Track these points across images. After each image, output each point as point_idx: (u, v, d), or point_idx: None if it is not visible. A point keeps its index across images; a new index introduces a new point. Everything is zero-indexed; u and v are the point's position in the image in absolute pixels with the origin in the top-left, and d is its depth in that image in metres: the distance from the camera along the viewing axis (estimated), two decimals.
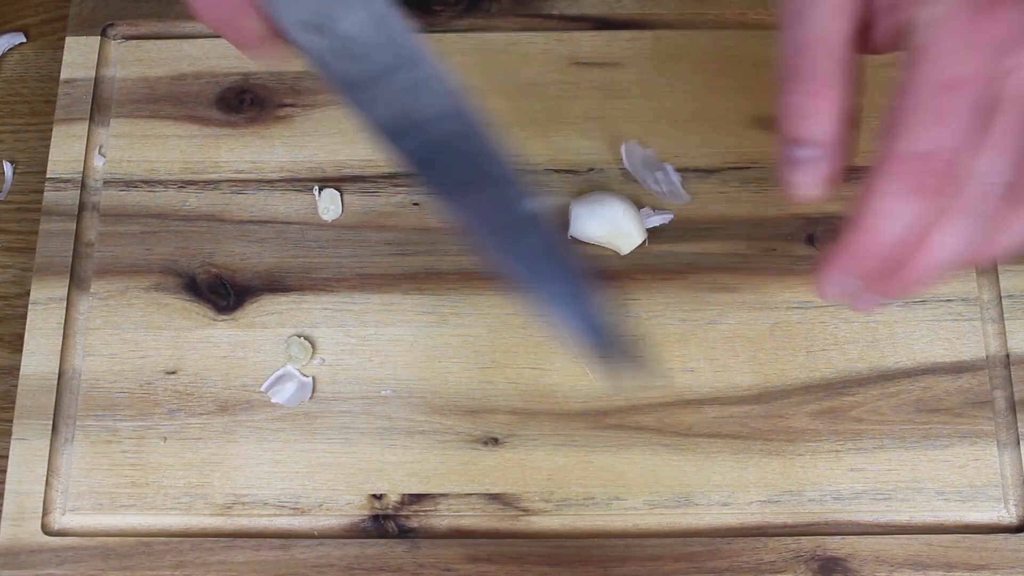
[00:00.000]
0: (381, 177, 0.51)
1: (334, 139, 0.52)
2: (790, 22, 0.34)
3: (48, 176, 0.51)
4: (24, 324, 0.49)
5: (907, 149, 0.33)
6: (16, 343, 0.50)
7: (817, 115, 0.34)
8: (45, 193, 0.51)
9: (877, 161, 0.34)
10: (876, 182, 0.34)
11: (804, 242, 0.50)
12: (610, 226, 0.48)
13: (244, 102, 0.53)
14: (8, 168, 0.54)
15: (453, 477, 0.46)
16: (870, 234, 0.34)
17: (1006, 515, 0.46)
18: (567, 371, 0.48)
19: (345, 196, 0.51)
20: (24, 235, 0.53)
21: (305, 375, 0.48)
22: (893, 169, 0.33)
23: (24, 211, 0.53)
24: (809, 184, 0.36)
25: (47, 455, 0.47)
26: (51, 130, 0.52)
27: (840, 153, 0.35)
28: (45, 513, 0.46)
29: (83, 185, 0.51)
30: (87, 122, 0.52)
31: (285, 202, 0.51)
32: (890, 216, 0.34)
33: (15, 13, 0.58)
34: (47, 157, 0.52)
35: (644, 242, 0.49)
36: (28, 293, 0.50)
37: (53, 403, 0.48)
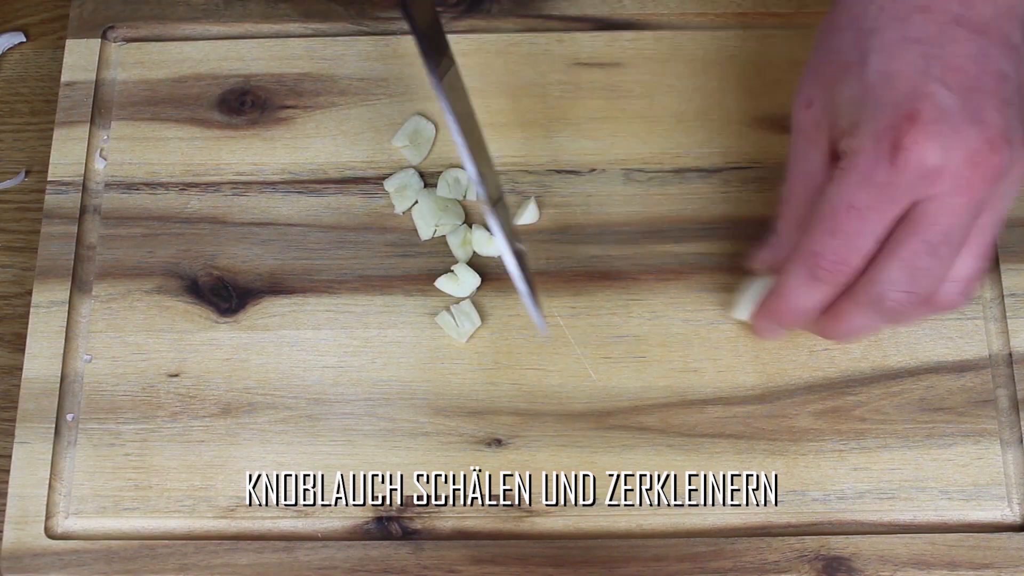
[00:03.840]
0: (382, 178, 0.51)
1: (336, 141, 0.52)
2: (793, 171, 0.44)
3: (49, 179, 0.51)
4: (25, 323, 0.49)
5: (807, 246, 0.41)
6: (16, 342, 0.50)
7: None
8: (46, 196, 0.51)
9: (794, 248, 0.42)
10: (787, 265, 0.42)
11: None
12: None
13: (245, 104, 0.53)
14: (21, 175, 0.54)
15: (457, 479, 0.46)
16: (783, 301, 0.43)
17: (1009, 514, 0.46)
18: (570, 372, 0.48)
19: (346, 197, 0.51)
20: (24, 235, 0.53)
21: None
22: (797, 258, 0.42)
23: (24, 210, 0.53)
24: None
25: (50, 458, 0.47)
26: (51, 129, 0.52)
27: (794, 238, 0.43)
28: (48, 517, 0.46)
29: (84, 188, 0.51)
30: (88, 125, 0.52)
31: (287, 204, 0.51)
32: (795, 292, 0.43)
33: (15, 13, 0.58)
34: (47, 156, 0.52)
35: None
36: (29, 292, 0.50)
37: (55, 406, 0.48)
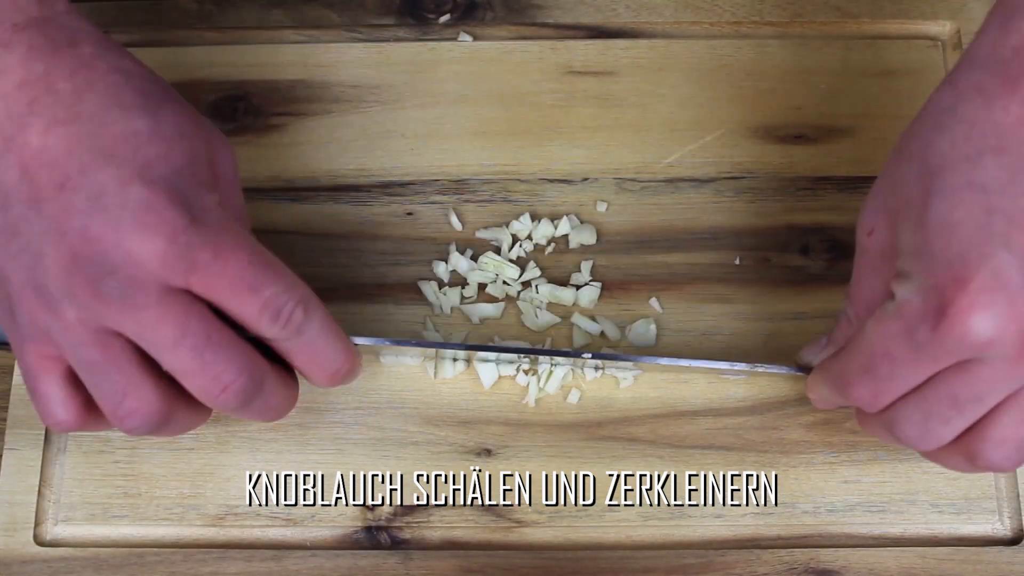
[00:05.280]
0: (374, 186, 0.51)
1: (328, 148, 0.52)
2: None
3: None
4: None
5: (839, 367, 0.40)
6: None
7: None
8: None
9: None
10: (848, 362, 0.39)
11: (799, 253, 0.50)
12: None
13: (238, 111, 0.53)
14: None
15: (446, 488, 0.46)
16: (821, 386, 0.43)
17: (1000, 527, 0.46)
18: (560, 382, 0.48)
19: (338, 205, 0.51)
20: None
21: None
22: (835, 363, 0.41)
23: None
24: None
25: (39, 465, 0.47)
26: None
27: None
28: (37, 524, 0.46)
29: None
30: None
31: (279, 211, 0.51)
32: (831, 390, 0.42)
33: None
34: None
35: None
36: None
37: None
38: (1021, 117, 0.35)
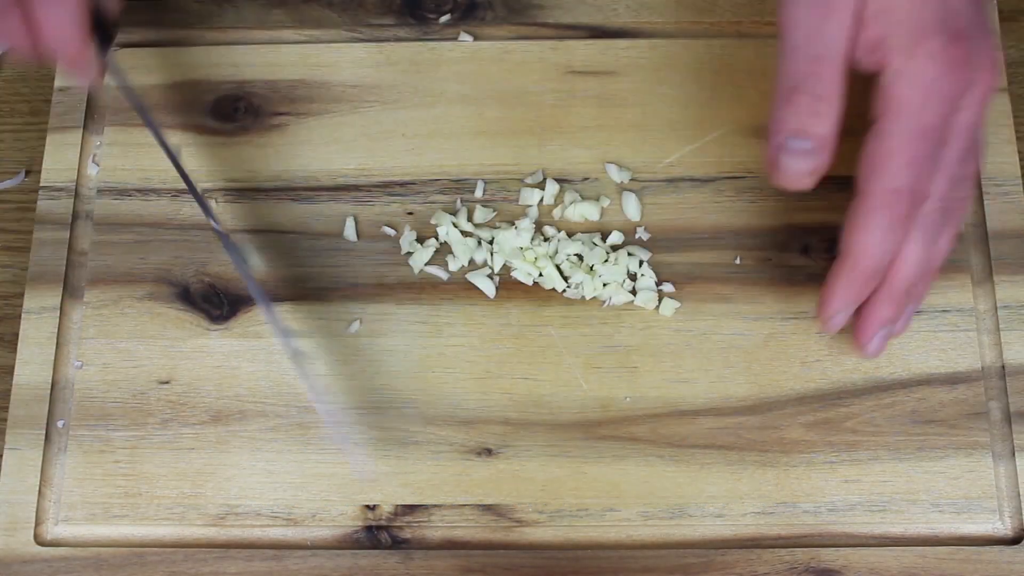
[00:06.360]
0: (375, 186, 0.51)
1: (328, 148, 0.52)
2: (806, 33, 0.40)
3: (41, 185, 0.51)
4: None
5: (886, 186, 0.40)
6: (16, 342, 0.50)
7: (823, 116, 0.40)
8: (39, 202, 0.51)
9: (860, 198, 0.41)
10: (862, 217, 0.41)
11: (799, 252, 0.50)
12: None
13: (238, 111, 0.53)
14: (21, 175, 0.54)
15: (446, 488, 0.46)
16: (862, 259, 0.42)
17: (1001, 527, 0.46)
18: (561, 382, 0.48)
19: (339, 205, 0.51)
20: (24, 235, 0.53)
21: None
22: (875, 204, 0.41)
23: (24, 211, 0.53)
24: (803, 173, 0.42)
25: (40, 465, 0.47)
26: None
27: (831, 152, 0.41)
28: (38, 523, 0.46)
29: (76, 194, 0.51)
30: (81, 130, 0.52)
31: (279, 211, 0.51)
32: (877, 243, 0.41)
33: None
34: None
35: None
36: None
37: (46, 413, 0.48)
38: None
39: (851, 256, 0.42)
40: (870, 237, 0.41)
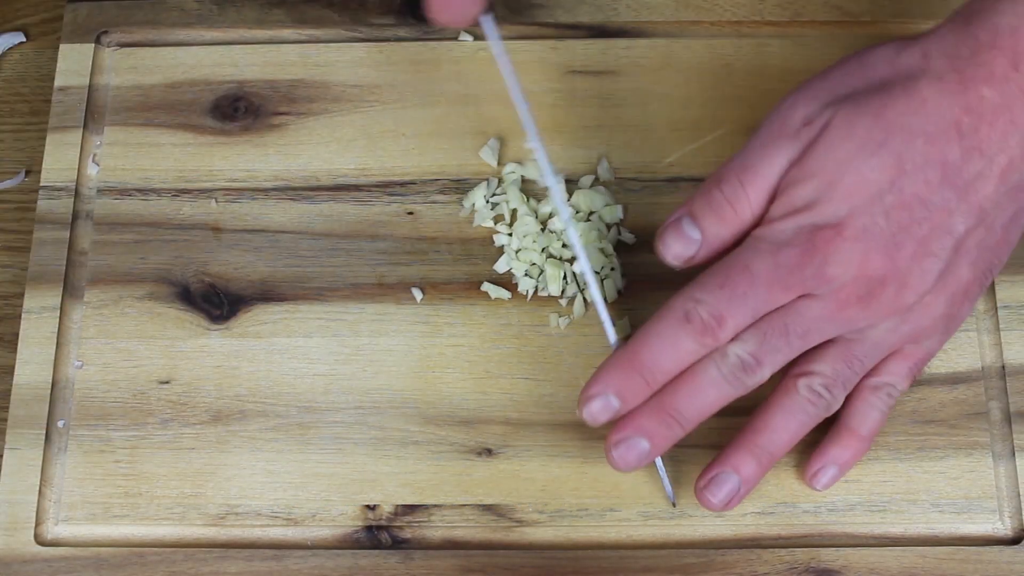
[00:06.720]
0: (375, 186, 0.51)
1: (328, 148, 0.52)
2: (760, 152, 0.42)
3: (41, 184, 0.51)
4: None
5: (692, 291, 0.41)
6: (16, 342, 0.50)
7: (728, 222, 0.42)
8: (39, 201, 0.51)
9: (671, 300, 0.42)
10: (663, 307, 0.42)
11: None
12: None
13: (238, 110, 0.53)
14: (21, 175, 0.54)
15: (447, 488, 0.46)
16: (646, 343, 0.42)
17: (1001, 527, 0.46)
18: (561, 382, 0.48)
19: (339, 205, 0.51)
20: (24, 235, 0.53)
21: None
22: (677, 297, 0.42)
23: (24, 210, 0.53)
24: (678, 256, 0.43)
25: (40, 465, 0.47)
26: None
27: (712, 256, 0.43)
28: (38, 523, 0.46)
29: (77, 193, 0.51)
30: (81, 130, 0.52)
31: (279, 211, 0.51)
32: (662, 336, 0.41)
33: (15, 13, 0.58)
34: None
35: None
36: None
37: (46, 412, 0.48)
38: (956, 121, 0.40)
39: (632, 344, 0.42)
40: (656, 325, 0.42)
